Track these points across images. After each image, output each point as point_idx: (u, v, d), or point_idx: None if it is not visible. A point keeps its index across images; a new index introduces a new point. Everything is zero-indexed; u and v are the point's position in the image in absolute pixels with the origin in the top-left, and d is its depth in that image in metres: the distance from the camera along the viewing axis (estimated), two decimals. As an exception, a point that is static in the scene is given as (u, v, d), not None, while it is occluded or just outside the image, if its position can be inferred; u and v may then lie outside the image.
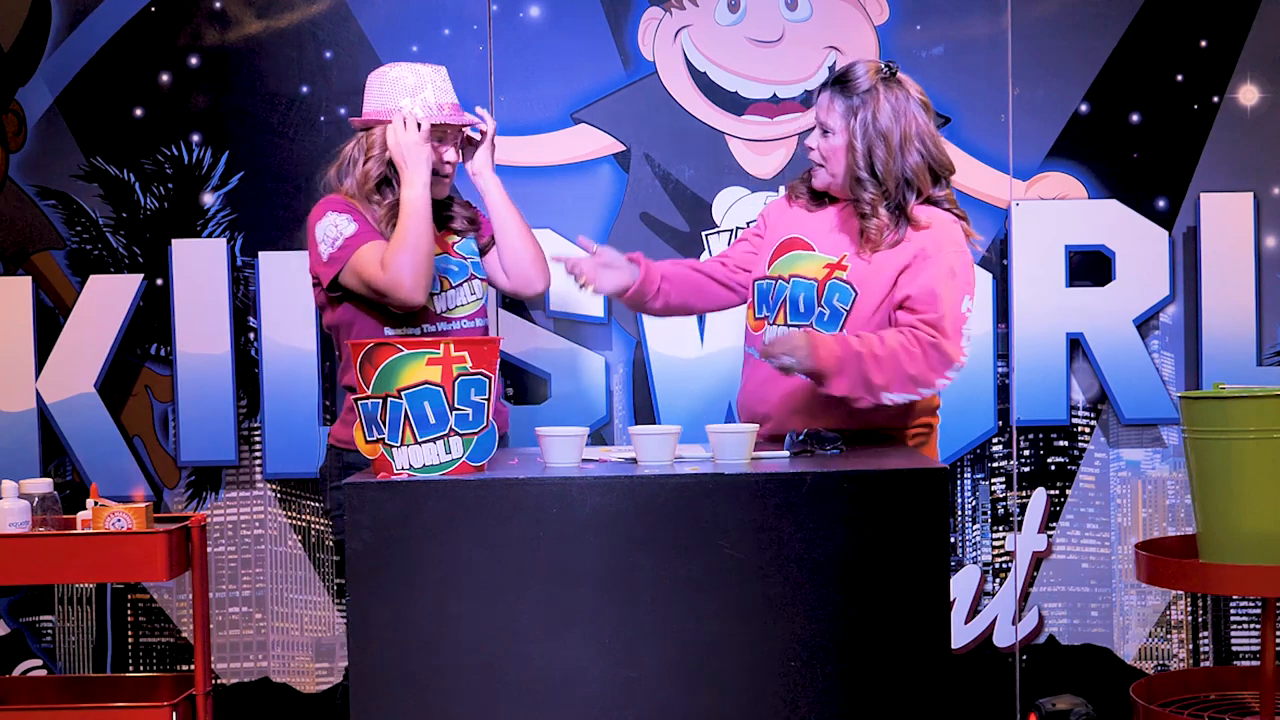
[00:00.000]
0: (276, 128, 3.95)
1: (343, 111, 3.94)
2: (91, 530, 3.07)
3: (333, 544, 3.31)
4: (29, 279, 3.99)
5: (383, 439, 2.38)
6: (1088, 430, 4.00)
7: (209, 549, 3.68)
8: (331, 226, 3.08)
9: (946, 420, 3.97)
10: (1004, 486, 4.01)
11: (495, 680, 2.33)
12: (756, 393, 3.04)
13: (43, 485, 3.21)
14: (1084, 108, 3.96)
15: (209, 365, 3.98)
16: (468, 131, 3.22)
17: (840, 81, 2.96)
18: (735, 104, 3.97)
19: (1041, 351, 3.98)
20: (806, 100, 3.93)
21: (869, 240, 2.92)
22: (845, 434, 2.85)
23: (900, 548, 2.32)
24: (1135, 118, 3.97)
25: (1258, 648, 3.99)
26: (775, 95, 3.97)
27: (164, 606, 4.06)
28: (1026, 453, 4.00)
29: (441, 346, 2.37)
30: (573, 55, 3.97)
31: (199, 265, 3.97)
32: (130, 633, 4.05)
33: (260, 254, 3.96)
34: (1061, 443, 4.01)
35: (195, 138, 3.98)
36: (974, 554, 4.02)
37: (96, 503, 3.13)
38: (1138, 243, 3.97)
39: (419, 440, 2.37)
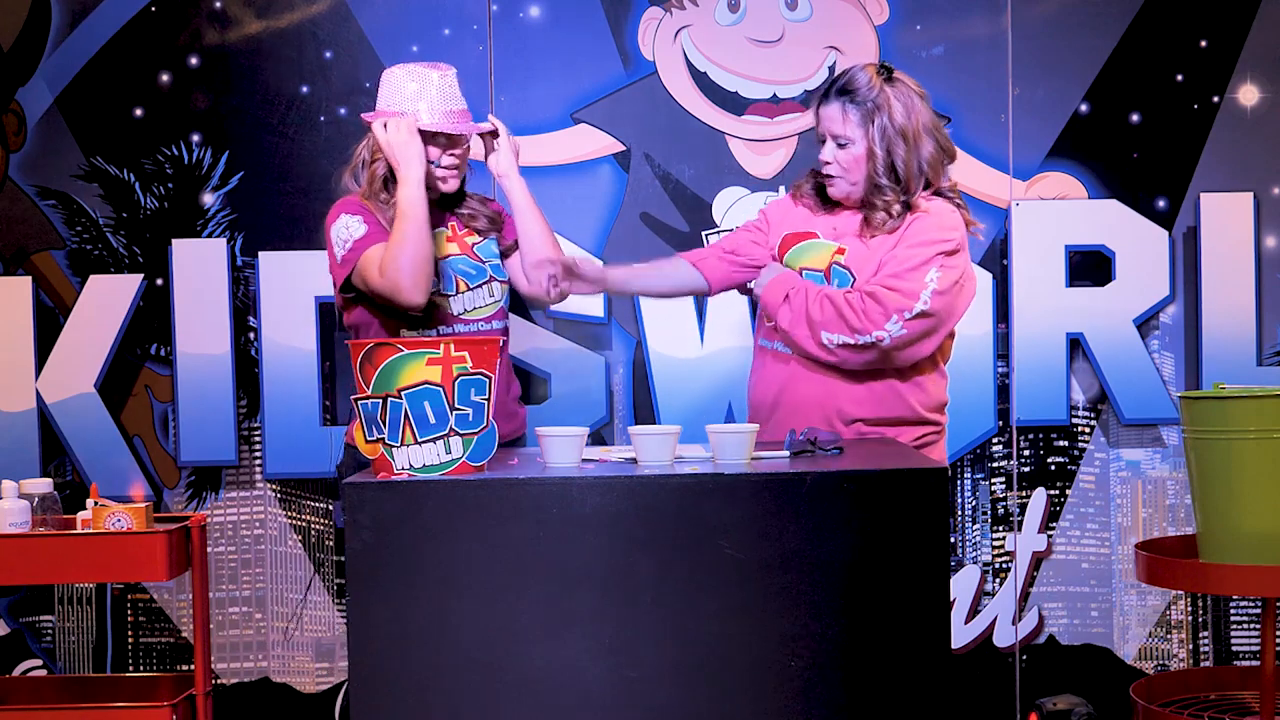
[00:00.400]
0: (276, 128, 3.95)
1: (343, 111, 3.94)
2: (91, 530, 3.07)
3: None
4: (29, 279, 3.99)
5: (383, 439, 2.38)
6: (1088, 430, 4.00)
7: (209, 549, 3.68)
8: (344, 228, 3.08)
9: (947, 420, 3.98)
10: (1004, 486, 4.01)
11: (495, 680, 2.33)
12: (771, 386, 3.06)
13: (43, 485, 3.21)
14: (1084, 108, 3.96)
15: (209, 365, 3.98)
16: (482, 129, 3.19)
17: (846, 91, 2.99)
18: (735, 104, 3.97)
19: (1041, 351, 3.98)
20: (806, 100, 3.93)
21: (872, 226, 2.99)
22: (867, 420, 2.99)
23: (900, 548, 2.32)
24: (1135, 118, 3.97)
25: (1258, 648, 3.99)
26: (775, 95, 3.97)
27: (164, 606, 4.06)
28: (1026, 453, 4.00)
29: (441, 346, 2.37)
30: (573, 55, 3.97)
31: (199, 265, 3.97)
32: (130, 633, 4.05)
33: (260, 254, 3.96)
34: (1061, 443, 4.01)
35: (195, 138, 3.98)
36: (974, 554, 4.02)
37: (96, 503, 3.13)
38: (1138, 243, 3.97)
39: (419, 440, 2.37)
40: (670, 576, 2.32)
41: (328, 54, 3.96)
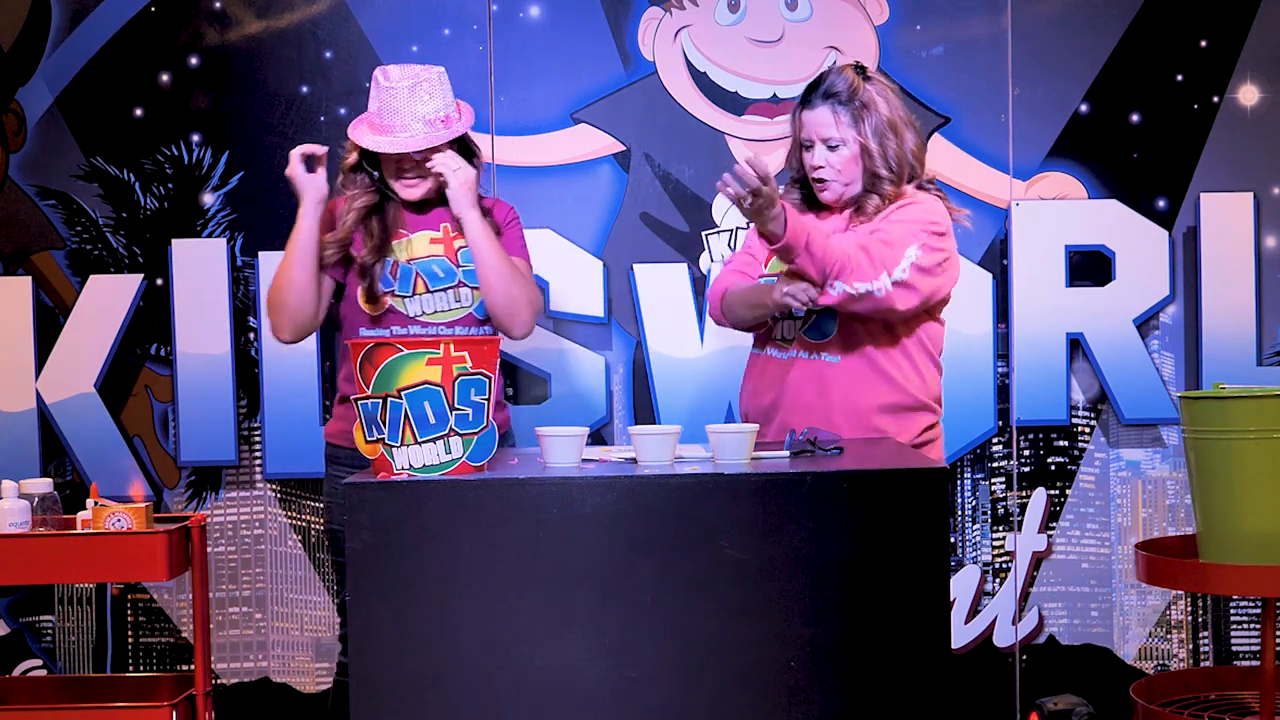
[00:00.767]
0: (276, 128, 3.95)
1: (343, 111, 3.94)
2: (91, 530, 3.07)
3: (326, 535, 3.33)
4: (29, 279, 3.99)
5: (383, 439, 2.38)
6: (1088, 430, 4.00)
7: (209, 549, 3.68)
8: None
9: (947, 420, 3.97)
10: (1004, 486, 4.01)
11: (495, 680, 2.33)
12: (771, 389, 3.06)
13: (43, 485, 3.21)
14: (1084, 108, 3.96)
15: (209, 365, 3.98)
16: (413, 147, 3.08)
17: (832, 94, 3.01)
18: (735, 104, 3.97)
19: (1041, 351, 3.98)
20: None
21: (864, 214, 3.02)
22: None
23: (900, 548, 2.32)
24: (1135, 118, 3.97)
25: (1258, 648, 3.99)
26: (775, 95, 3.97)
27: (164, 606, 4.05)
28: (1026, 453, 4.00)
29: (441, 347, 2.37)
30: (573, 55, 3.97)
31: (199, 265, 3.97)
32: (130, 633, 4.05)
33: (260, 254, 3.96)
34: (1061, 443, 4.01)
35: (195, 138, 3.98)
36: (974, 554, 4.02)
37: (96, 503, 3.13)
38: (1138, 243, 3.97)
39: (419, 440, 2.37)
40: (670, 576, 2.32)
41: (328, 54, 3.96)
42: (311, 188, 3.10)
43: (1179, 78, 3.96)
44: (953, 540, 4.00)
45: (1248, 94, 3.96)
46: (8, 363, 3.98)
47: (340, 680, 3.22)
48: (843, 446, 2.70)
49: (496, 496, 2.33)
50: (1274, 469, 3.00)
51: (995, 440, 4.00)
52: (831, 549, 2.31)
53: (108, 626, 4.05)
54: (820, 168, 3.03)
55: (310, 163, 3.12)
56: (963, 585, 4.01)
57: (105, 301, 3.98)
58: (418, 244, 3.15)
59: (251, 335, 3.99)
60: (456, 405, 2.37)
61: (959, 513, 4.01)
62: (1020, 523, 4.01)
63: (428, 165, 3.09)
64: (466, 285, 3.15)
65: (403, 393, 2.36)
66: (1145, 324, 3.98)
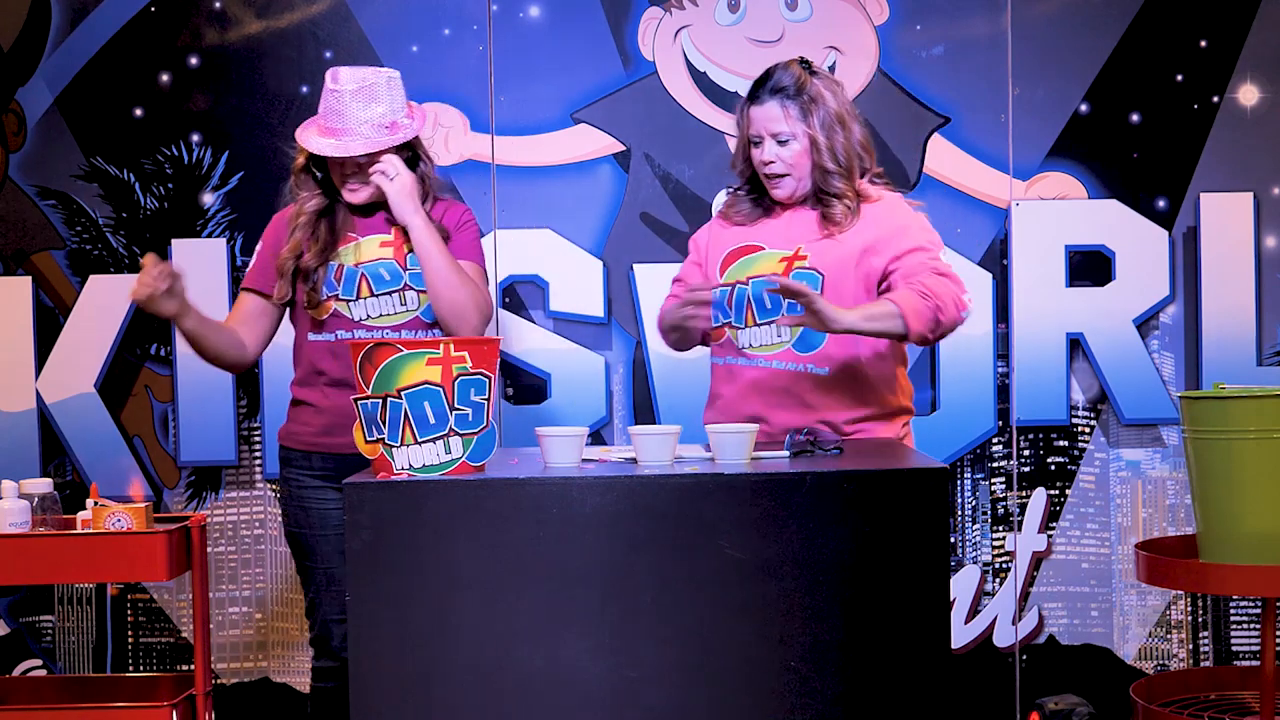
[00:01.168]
0: (276, 128, 3.95)
1: (343, 111, 3.93)
2: (91, 530, 3.07)
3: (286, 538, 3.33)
4: (29, 279, 3.99)
5: (383, 439, 2.38)
6: (1088, 430, 4.00)
7: (209, 549, 3.67)
8: (258, 245, 3.24)
9: (947, 420, 3.99)
10: (1004, 486, 4.01)
11: (495, 680, 2.33)
12: (746, 399, 3.04)
13: (43, 485, 3.21)
14: (1084, 108, 3.96)
15: (209, 365, 3.97)
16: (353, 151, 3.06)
17: (779, 89, 3.01)
18: (735, 104, 3.96)
19: (1041, 351, 3.98)
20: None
21: (834, 223, 3.00)
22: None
23: (900, 548, 2.32)
24: (1135, 118, 3.97)
25: (1258, 648, 3.99)
26: (775, 95, 3.96)
27: (164, 606, 4.06)
28: (1026, 453, 4.01)
29: (441, 346, 2.37)
30: (573, 55, 3.97)
31: (199, 265, 3.97)
32: (130, 633, 4.05)
33: (260, 254, 3.96)
34: (1061, 443, 4.01)
35: (195, 138, 3.98)
36: (974, 554, 4.02)
37: (96, 503, 3.13)
38: (1138, 243, 3.97)
39: (419, 440, 2.37)
40: (670, 576, 2.32)
41: (328, 54, 3.96)
42: (169, 308, 3.03)
43: (1179, 78, 3.96)
44: (953, 540, 4.00)
45: (1248, 94, 3.96)
46: (8, 363, 3.98)
47: (317, 686, 3.20)
48: (843, 446, 2.70)
49: (496, 496, 2.33)
50: (1274, 469, 3.00)
51: (995, 440, 4.00)
52: (831, 549, 2.31)
53: (108, 626, 4.05)
54: (771, 163, 3.02)
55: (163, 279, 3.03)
56: (963, 585, 4.01)
57: (105, 301, 3.98)
58: (367, 247, 3.13)
59: (251, 335, 3.98)
60: (456, 405, 2.37)
61: (959, 513, 4.01)
62: (1020, 523, 4.01)
63: (374, 171, 3.07)
64: (413, 288, 3.13)
65: (403, 393, 2.36)
66: (1145, 324, 3.98)
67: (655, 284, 3.98)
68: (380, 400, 2.36)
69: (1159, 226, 3.98)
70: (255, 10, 3.98)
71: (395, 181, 3.06)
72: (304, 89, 3.96)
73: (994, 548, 4.02)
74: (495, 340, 2.45)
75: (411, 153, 3.14)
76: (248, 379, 3.98)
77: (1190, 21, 3.95)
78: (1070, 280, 3.98)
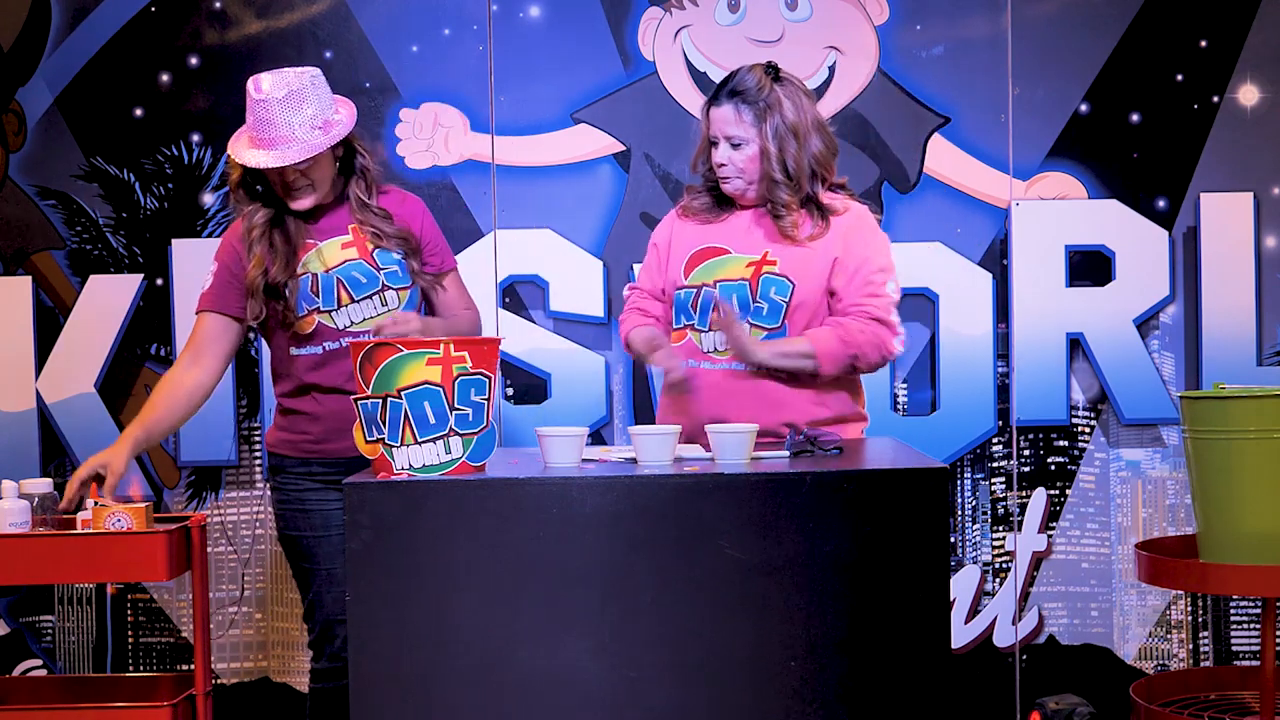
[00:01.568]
0: (276, 128, 3.95)
1: (343, 111, 3.93)
2: (91, 530, 3.07)
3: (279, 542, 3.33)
4: (29, 279, 3.99)
5: (383, 439, 2.38)
6: (1088, 430, 4.00)
7: (209, 549, 3.67)
8: (210, 265, 3.16)
9: (947, 420, 3.99)
10: (1004, 486, 4.01)
11: (495, 680, 2.33)
12: (712, 401, 3.03)
13: (43, 485, 3.21)
14: (1084, 108, 3.96)
15: (209, 365, 3.98)
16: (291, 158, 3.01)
17: (737, 92, 3.01)
18: (735, 104, 3.97)
19: (1041, 351, 3.98)
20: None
21: (787, 237, 3.00)
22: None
23: (900, 548, 2.32)
24: (1135, 118, 3.97)
25: (1258, 648, 3.99)
26: (775, 95, 3.96)
27: (164, 606, 4.06)
28: (1026, 453, 4.00)
29: (441, 347, 2.37)
30: (573, 55, 3.97)
31: (199, 265, 3.95)
32: (130, 633, 4.05)
33: (260, 254, 3.95)
34: (1061, 443, 4.01)
35: (195, 138, 3.98)
36: (974, 554, 4.02)
37: (96, 503, 3.13)
38: (1138, 243, 3.97)
39: (419, 440, 2.37)
40: (670, 576, 2.32)
41: (328, 54, 3.96)
42: (112, 483, 3.07)
43: (1179, 78, 3.96)
44: (953, 540, 4.00)
45: (1248, 94, 3.96)
46: (8, 363, 3.98)
47: (315, 687, 3.20)
48: (842, 446, 2.70)
49: (496, 496, 2.33)
50: (1274, 469, 3.00)
51: (995, 440, 4.00)
52: (831, 549, 2.31)
53: (108, 626, 4.05)
54: (723, 165, 3.03)
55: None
56: (963, 585, 4.01)
57: (105, 301, 3.98)
58: (329, 252, 3.11)
59: (251, 335, 3.98)
60: (456, 405, 2.37)
61: (959, 513, 4.01)
62: (1020, 523, 4.01)
63: (380, 338, 2.93)
64: (391, 288, 3.12)
65: (403, 393, 2.36)
66: (1145, 324, 3.98)
67: (655, 284, 3.99)
68: (380, 400, 2.36)
69: (1159, 226, 3.97)
70: (255, 10, 3.98)
71: (411, 325, 2.98)
72: (304, 89, 3.96)
73: (994, 548, 4.02)
74: (495, 340, 2.45)
75: (346, 147, 3.11)
76: (248, 379, 3.98)
77: (1190, 21, 3.95)
78: (1070, 280, 3.98)
